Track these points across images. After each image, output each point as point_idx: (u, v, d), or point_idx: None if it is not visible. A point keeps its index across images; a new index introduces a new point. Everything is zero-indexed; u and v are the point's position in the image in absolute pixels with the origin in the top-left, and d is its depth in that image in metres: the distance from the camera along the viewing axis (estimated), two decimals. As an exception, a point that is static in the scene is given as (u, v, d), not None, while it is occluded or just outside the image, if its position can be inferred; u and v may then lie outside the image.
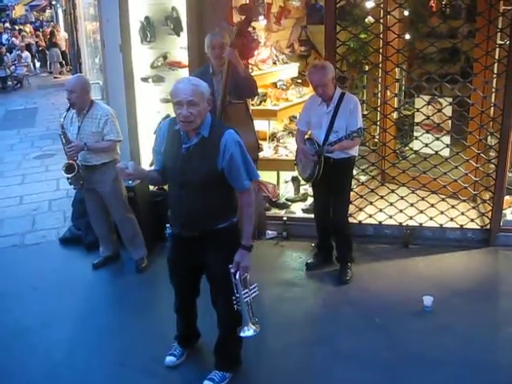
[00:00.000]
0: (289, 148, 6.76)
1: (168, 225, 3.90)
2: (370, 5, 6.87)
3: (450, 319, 4.68)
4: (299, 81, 7.61)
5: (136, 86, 6.30)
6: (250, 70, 6.13)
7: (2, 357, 4.40)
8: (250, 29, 6.16)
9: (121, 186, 5.54)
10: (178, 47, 6.20)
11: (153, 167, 3.90)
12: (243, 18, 5.12)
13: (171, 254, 3.96)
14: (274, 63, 7.36)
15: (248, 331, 3.70)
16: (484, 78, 6.00)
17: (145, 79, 6.33)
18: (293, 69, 7.60)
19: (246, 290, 3.64)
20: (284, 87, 7.18)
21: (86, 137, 5.25)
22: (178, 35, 6.11)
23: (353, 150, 5.15)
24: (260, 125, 6.58)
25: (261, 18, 6.61)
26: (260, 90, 6.56)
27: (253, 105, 6.25)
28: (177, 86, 3.41)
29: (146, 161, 6.17)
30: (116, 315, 5.02)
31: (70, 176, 5.27)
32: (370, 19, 7.10)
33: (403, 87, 7.47)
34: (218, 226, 3.60)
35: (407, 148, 6.94)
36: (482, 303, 4.94)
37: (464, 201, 6.10)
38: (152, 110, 6.45)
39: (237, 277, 3.58)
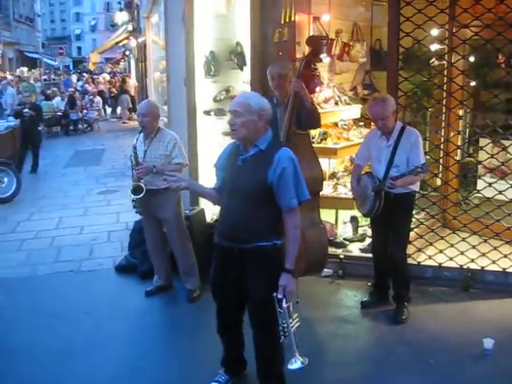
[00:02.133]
0: (348, 187, 6.67)
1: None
2: (434, 47, 6.85)
3: (512, 365, 4.41)
4: (361, 123, 7.56)
5: (198, 119, 6.41)
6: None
7: (45, 378, 4.37)
8: (313, 65, 6.24)
9: (182, 214, 5.59)
10: (241, 81, 6.30)
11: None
12: (310, 49, 5.17)
13: (213, 267, 3.93)
14: (336, 103, 7.35)
15: (296, 363, 3.49)
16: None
17: (207, 112, 6.43)
18: (355, 110, 7.56)
19: (291, 320, 3.48)
20: (345, 127, 7.14)
21: (153, 160, 5.34)
22: (242, 69, 6.21)
23: (414, 185, 5.03)
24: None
25: (323, 55, 6.63)
26: (321, 129, 6.60)
27: (313, 142, 6.22)
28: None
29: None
30: (165, 342, 4.98)
31: (137, 197, 5.33)
32: (433, 60, 7.07)
33: (467, 125, 7.29)
34: (258, 243, 3.54)
35: (471, 191, 6.77)
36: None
37: (528, 245, 5.83)
38: (213, 143, 6.44)
39: (284, 304, 3.44)
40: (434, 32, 6.56)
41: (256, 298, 3.63)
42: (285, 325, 3.43)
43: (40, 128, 13.23)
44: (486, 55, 6.92)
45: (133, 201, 5.42)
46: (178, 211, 5.55)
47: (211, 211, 6.23)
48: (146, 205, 5.44)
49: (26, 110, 12.20)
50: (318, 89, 6.59)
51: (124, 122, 21.52)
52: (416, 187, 5.09)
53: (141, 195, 5.31)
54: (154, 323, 5.32)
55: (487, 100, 6.34)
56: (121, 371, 4.45)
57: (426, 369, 4.38)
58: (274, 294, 3.46)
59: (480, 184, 6.40)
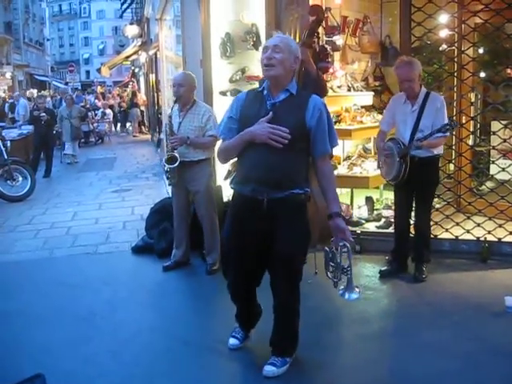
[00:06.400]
0: (363, 167, 6.71)
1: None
2: (444, 33, 6.94)
3: (535, 321, 4.40)
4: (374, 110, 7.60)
5: (214, 99, 6.48)
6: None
7: (70, 336, 4.40)
8: (328, 47, 6.33)
9: (212, 187, 5.67)
10: (257, 61, 6.35)
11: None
12: (313, 18, 5.25)
13: (231, 220, 3.71)
14: (349, 90, 7.42)
15: (354, 295, 3.55)
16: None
17: (223, 93, 6.51)
18: (368, 97, 7.63)
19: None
20: (359, 111, 7.20)
21: (187, 131, 5.40)
22: (257, 49, 6.29)
23: (437, 149, 5.06)
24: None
25: (337, 37, 6.71)
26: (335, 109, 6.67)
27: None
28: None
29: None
30: (183, 306, 5.04)
31: (171, 167, 5.36)
32: (443, 46, 7.16)
33: (478, 111, 7.34)
34: (293, 190, 3.40)
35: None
36: None
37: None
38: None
39: (348, 245, 3.43)
40: (444, 20, 6.67)
41: (287, 250, 3.45)
42: (348, 265, 3.45)
43: (54, 132, 13.39)
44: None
45: (166, 171, 5.52)
46: (209, 184, 5.62)
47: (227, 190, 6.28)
48: (179, 177, 5.49)
49: (43, 114, 12.31)
50: (330, 70, 6.66)
51: (134, 135, 21.66)
52: (440, 151, 5.12)
53: (175, 164, 5.35)
54: (173, 291, 5.35)
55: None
56: (141, 330, 4.48)
57: (450, 324, 4.38)
58: (333, 240, 3.47)
59: (493, 168, 6.43)
